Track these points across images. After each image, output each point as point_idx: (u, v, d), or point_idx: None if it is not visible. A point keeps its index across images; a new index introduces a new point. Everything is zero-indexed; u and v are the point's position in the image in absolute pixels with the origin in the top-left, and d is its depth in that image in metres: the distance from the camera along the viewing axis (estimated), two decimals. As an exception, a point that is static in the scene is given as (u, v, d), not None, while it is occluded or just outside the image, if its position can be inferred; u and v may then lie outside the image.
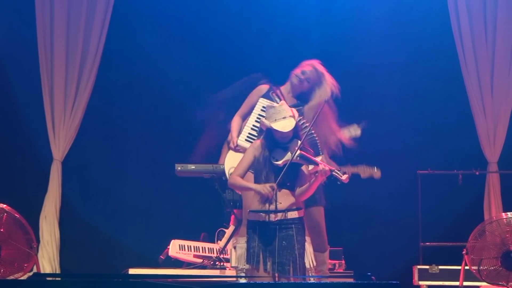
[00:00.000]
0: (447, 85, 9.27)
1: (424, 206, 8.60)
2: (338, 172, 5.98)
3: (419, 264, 7.98)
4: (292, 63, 6.87)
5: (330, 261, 7.96)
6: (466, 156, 8.91)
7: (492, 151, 8.96)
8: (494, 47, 8.98)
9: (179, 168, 7.63)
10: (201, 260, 7.90)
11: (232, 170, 6.42)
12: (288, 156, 5.93)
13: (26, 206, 7.78)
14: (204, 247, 8.15)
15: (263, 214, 5.90)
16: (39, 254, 8.51)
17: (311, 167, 6.10)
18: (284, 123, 5.93)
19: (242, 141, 6.26)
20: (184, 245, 7.98)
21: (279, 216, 5.92)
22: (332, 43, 9.22)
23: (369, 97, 9.30)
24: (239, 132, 6.37)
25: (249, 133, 6.24)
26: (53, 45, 9.01)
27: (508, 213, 6.29)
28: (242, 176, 6.04)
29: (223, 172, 7.41)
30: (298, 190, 6.00)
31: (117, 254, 9.20)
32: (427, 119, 9.18)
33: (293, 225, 5.91)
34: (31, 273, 6.54)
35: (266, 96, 6.40)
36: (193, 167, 7.65)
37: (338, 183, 6.03)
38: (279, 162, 5.93)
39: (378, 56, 9.10)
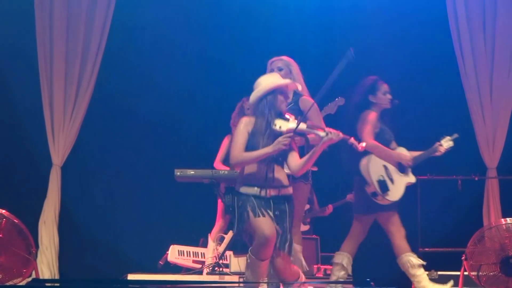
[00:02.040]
0: (446, 90, 9.26)
1: (423, 211, 8.56)
2: (354, 140, 5.95)
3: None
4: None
5: (329, 266, 7.99)
6: (465, 162, 8.82)
7: (491, 157, 8.94)
8: (493, 52, 8.97)
9: (178, 173, 7.58)
10: (200, 266, 7.88)
11: None
12: (292, 123, 5.86)
13: (25, 212, 7.75)
14: (203, 253, 8.12)
15: (256, 188, 5.84)
16: (38, 260, 8.50)
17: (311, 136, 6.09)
18: (273, 78, 5.99)
19: None
20: (183, 251, 7.99)
21: (273, 192, 5.87)
22: (327, 52, 9.25)
23: None
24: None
25: None
26: (52, 51, 8.99)
27: (507, 219, 6.28)
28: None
29: (222, 178, 7.51)
30: (299, 161, 5.92)
31: (116, 259, 9.18)
32: (426, 125, 9.12)
33: (285, 201, 5.89)
34: (30, 279, 6.48)
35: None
36: (192, 172, 7.59)
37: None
38: (283, 130, 5.84)
39: (376, 61, 9.07)
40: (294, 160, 5.93)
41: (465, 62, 8.99)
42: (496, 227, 6.18)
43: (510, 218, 6.25)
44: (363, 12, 9.41)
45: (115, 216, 9.36)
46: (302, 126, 5.88)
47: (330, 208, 8.95)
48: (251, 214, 5.79)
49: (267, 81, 5.95)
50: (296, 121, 5.91)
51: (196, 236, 8.55)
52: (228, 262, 7.65)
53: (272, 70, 6.33)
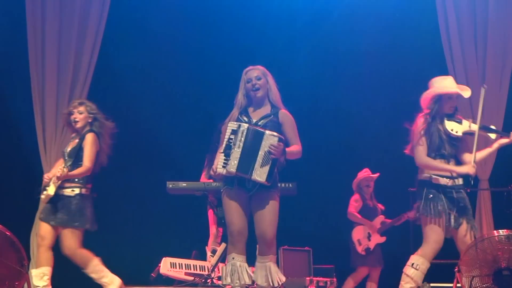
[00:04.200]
0: None
1: (415, 223, 8.07)
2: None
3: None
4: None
5: (322, 278, 8.00)
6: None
7: (483, 169, 8.95)
8: (485, 64, 9.02)
9: (170, 186, 7.68)
10: (193, 278, 7.89)
11: None
12: (465, 126, 6.23)
13: (17, 224, 7.55)
14: (196, 265, 8.12)
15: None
16: (30, 272, 8.18)
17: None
18: (449, 81, 6.46)
19: (220, 168, 6.07)
20: (175, 263, 7.97)
21: None
22: (320, 61, 9.37)
23: (357, 114, 9.47)
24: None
25: (223, 159, 6.05)
26: (44, 62, 9.03)
27: (499, 230, 6.26)
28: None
29: (214, 190, 7.55)
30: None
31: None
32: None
33: None
34: (22, 292, 6.35)
35: (236, 119, 6.25)
36: (184, 184, 7.68)
37: None
38: (459, 134, 6.23)
39: (367, 72, 9.22)
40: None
41: (456, 75, 9.01)
42: (489, 239, 6.16)
43: (503, 230, 6.23)
44: (354, 20, 9.50)
45: (107, 228, 8.58)
46: (474, 127, 6.23)
47: (404, 218, 8.94)
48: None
49: (448, 84, 6.33)
50: (469, 123, 6.25)
51: (188, 248, 8.53)
52: (220, 274, 7.42)
53: (249, 80, 6.26)
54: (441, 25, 9.08)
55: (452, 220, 6.36)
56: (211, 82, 9.60)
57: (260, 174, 5.97)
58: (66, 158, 6.85)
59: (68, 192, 6.75)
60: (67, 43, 9.07)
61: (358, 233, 8.92)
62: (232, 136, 6.03)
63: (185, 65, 9.68)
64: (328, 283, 8.18)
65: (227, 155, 6.01)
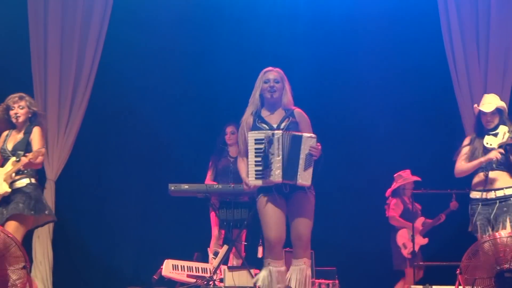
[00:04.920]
0: (441, 105, 9.31)
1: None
2: None
3: (412, 284, 7.94)
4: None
5: (323, 281, 7.97)
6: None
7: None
8: (487, 65, 8.92)
9: (172, 188, 7.61)
10: (195, 280, 7.83)
11: None
12: (499, 138, 6.59)
13: None
14: (198, 267, 8.06)
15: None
16: (32, 275, 8.28)
17: None
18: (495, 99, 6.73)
19: (253, 180, 6.05)
20: (177, 265, 7.91)
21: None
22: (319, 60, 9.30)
23: (361, 117, 9.43)
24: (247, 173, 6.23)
25: (256, 170, 6.02)
26: (46, 64, 8.95)
27: (501, 232, 6.25)
28: None
29: (216, 192, 7.55)
30: None
31: (110, 274, 9.14)
32: (421, 138, 9.18)
33: None
34: (24, 294, 6.29)
35: (254, 127, 6.20)
36: (186, 186, 7.64)
37: None
38: (494, 146, 6.57)
39: (369, 74, 9.20)
40: None
41: (458, 77, 8.96)
42: (491, 241, 6.14)
43: (505, 232, 6.21)
44: (356, 20, 9.48)
45: (110, 231, 9.32)
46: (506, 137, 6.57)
47: (443, 217, 8.96)
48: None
49: (484, 100, 6.69)
50: (503, 133, 6.56)
51: (190, 251, 8.47)
52: (222, 276, 7.58)
53: (267, 81, 6.23)
54: (443, 25, 9.01)
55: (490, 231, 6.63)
56: (213, 83, 9.56)
57: (305, 178, 6.00)
58: (11, 154, 6.79)
59: (20, 184, 6.72)
60: (69, 45, 9.01)
61: (402, 237, 8.88)
62: (260, 146, 6.01)
63: (188, 66, 9.64)
64: (330, 285, 8.09)
65: (266, 165, 5.99)
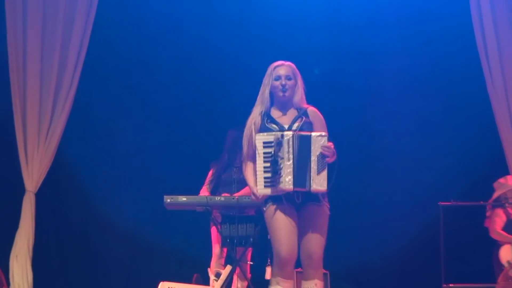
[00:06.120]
0: (474, 110, 9.05)
1: (447, 242, 8.28)
2: None
3: None
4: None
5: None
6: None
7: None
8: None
9: (168, 200, 7.26)
10: (194, 306, 7.67)
11: None
12: None
13: None
14: (197, 291, 8.01)
15: None
16: None
17: None
18: None
19: (262, 188, 5.81)
20: (174, 288, 7.95)
21: None
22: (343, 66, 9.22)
23: (387, 121, 9.28)
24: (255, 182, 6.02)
25: (265, 177, 5.78)
26: (26, 63, 8.72)
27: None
28: None
29: (218, 205, 7.30)
30: None
31: (98, 298, 9.10)
32: (451, 144, 8.99)
33: None
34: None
35: (262, 129, 5.93)
36: (184, 199, 7.29)
37: None
38: None
39: (398, 80, 9.08)
40: None
41: (493, 79, 8.62)
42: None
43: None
44: (379, 13, 9.32)
45: (97, 249, 9.09)
46: None
47: None
48: None
49: None
50: None
51: (189, 271, 8.10)
52: None
53: (278, 77, 5.96)
54: (474, 20, 8.72)
55: None
56: (213, 83, 9.30)
57: (319, 182, 5.72)
58: None
59: None
60: (51, 42, 8.74)
61: (506, 254, 8.37)
62: (268, 150, 5.79)
63: (184, 66, 9.38)
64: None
65: (275, 171, 5.75)
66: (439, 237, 8.26)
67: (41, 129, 8.66)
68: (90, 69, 8.92)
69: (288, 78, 5.93)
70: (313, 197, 5.75)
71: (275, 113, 5.97)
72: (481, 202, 8.30)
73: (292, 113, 5.96)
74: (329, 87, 9.21)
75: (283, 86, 5.90)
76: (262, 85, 6.00)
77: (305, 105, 6.00)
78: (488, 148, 8.87)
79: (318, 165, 5.69)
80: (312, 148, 5.71)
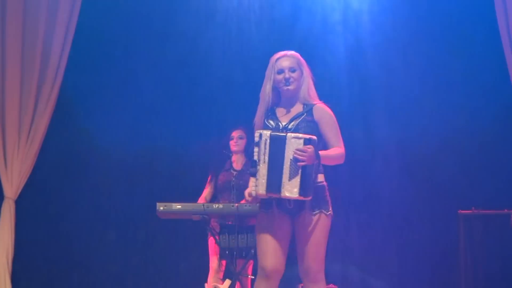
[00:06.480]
0: (496, 113, 8.78)
1: (467, 253, 8.20)
2: None
3: None
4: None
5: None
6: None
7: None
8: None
9: (161, 208, 6.97)
10: (191, 325, 7.39)
11: None
12: None
13: None
14: (194, 309, 7.60)
15: None
16: None
17: None
18: None
19: (253, 191, 5.63)
20: (168, 306, 7.39)
21: None
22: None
23: (407, 126, 9.00)
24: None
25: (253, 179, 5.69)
26: (4, 61, 8.48)
27: None
28: None
29: (216, 213, 7.10)
30: None
31: (83, 317, 9.06)
32: (472, 150, 8.74)
33: None
34: None
35: (262, 126, 5.75)
36: (179, 206, 7.01)
37: None
38: None
39: (420, 83, 8.79)
40: None
41: None
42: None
43: None
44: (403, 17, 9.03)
45: (82, 262, 8.83)
46: None
47: None
48: None
49: None
50: None
51: (184, 286, 8.20)
52: None
53: (281, 71, 5.64)
54: (499, 17, 8.37)
55: None
56: (212, 83, 9.06)
57: (289, 188, 5.42)
58: None
59: None
60: (33, 32, 8.53)
61: None
62: (256, 149, 5.60)
63: (180, 64, 9.12)
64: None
65: (254, 174, 5.57)
66: (459, 248, 8.18)
67: (21, 129, 8.48)
68: (75, 64, 8.71)
69: (292, 70, 5.63)
70: (307, 204, 5.50)
71: (280, 111, 5.72)
72: (505, 210, 8.08)
73: (297, 109, 5.69)
74: (345, 84, 8.96)
75: (286, 79, 5.62)
76: (264, 78, 5.76)
77: (315, 101, 5.70)
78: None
79: (290, 170, 5.44)
80: (286, 150, 5.46)
